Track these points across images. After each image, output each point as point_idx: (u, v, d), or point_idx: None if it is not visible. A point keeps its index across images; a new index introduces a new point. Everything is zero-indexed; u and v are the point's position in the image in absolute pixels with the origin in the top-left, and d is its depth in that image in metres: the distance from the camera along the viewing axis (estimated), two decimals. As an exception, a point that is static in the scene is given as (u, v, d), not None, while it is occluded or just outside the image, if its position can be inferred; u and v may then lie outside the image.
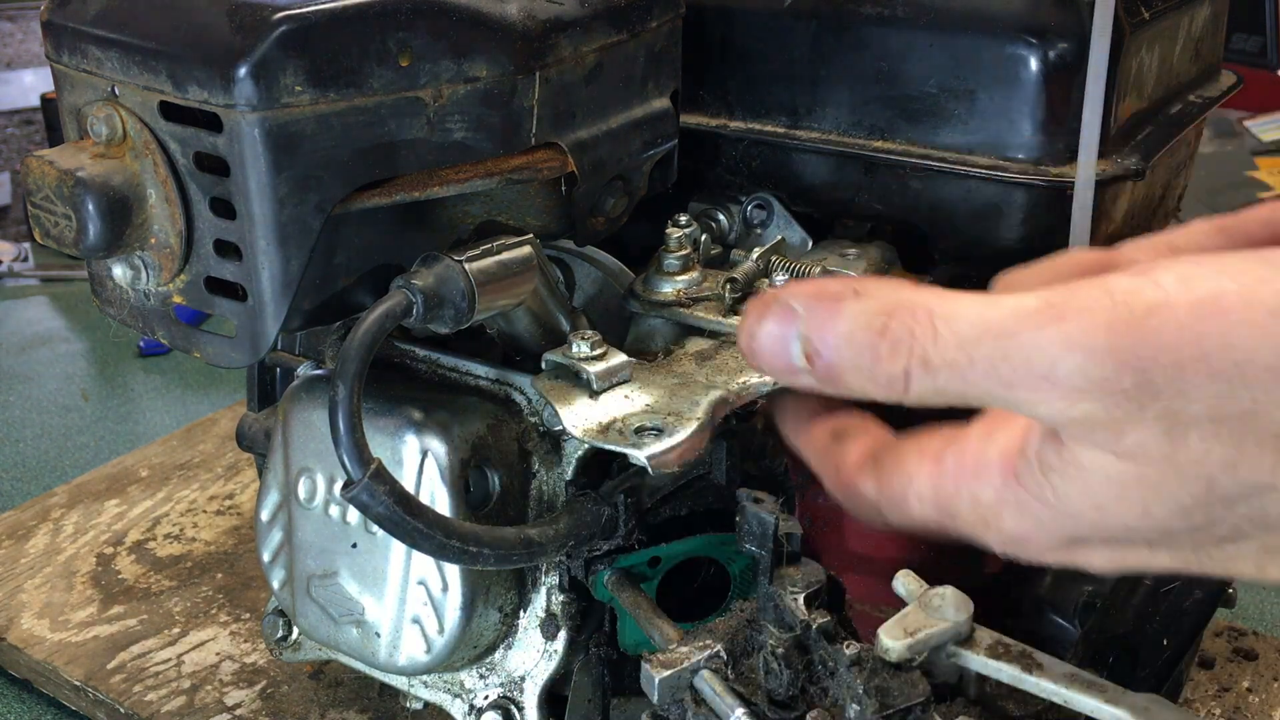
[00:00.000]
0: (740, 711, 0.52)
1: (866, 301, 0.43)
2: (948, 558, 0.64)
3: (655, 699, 0.54)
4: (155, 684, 0.95)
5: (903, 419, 0.49)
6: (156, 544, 1.14)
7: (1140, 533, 0.42)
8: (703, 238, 0.79)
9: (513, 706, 0.68)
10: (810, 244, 0.80)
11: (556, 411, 0.61)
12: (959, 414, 0.46)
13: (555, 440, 0.66)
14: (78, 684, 0.95)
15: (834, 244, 0.80)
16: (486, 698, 0.69)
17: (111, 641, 1.00)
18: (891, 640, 0.50)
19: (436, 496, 0.63)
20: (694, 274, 0.72)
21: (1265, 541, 0.41)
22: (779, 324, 0.45)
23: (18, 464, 1.39)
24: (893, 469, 0.50)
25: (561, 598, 0.66)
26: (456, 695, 0.71)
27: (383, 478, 0.55)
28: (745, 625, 0.55)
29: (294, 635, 0.79)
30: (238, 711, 0.92)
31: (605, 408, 0.61)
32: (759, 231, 0.82)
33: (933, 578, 0.54)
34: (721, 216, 0.82)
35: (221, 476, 1.26)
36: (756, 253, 0.74)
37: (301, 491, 0.69)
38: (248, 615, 1.03)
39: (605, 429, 0.60)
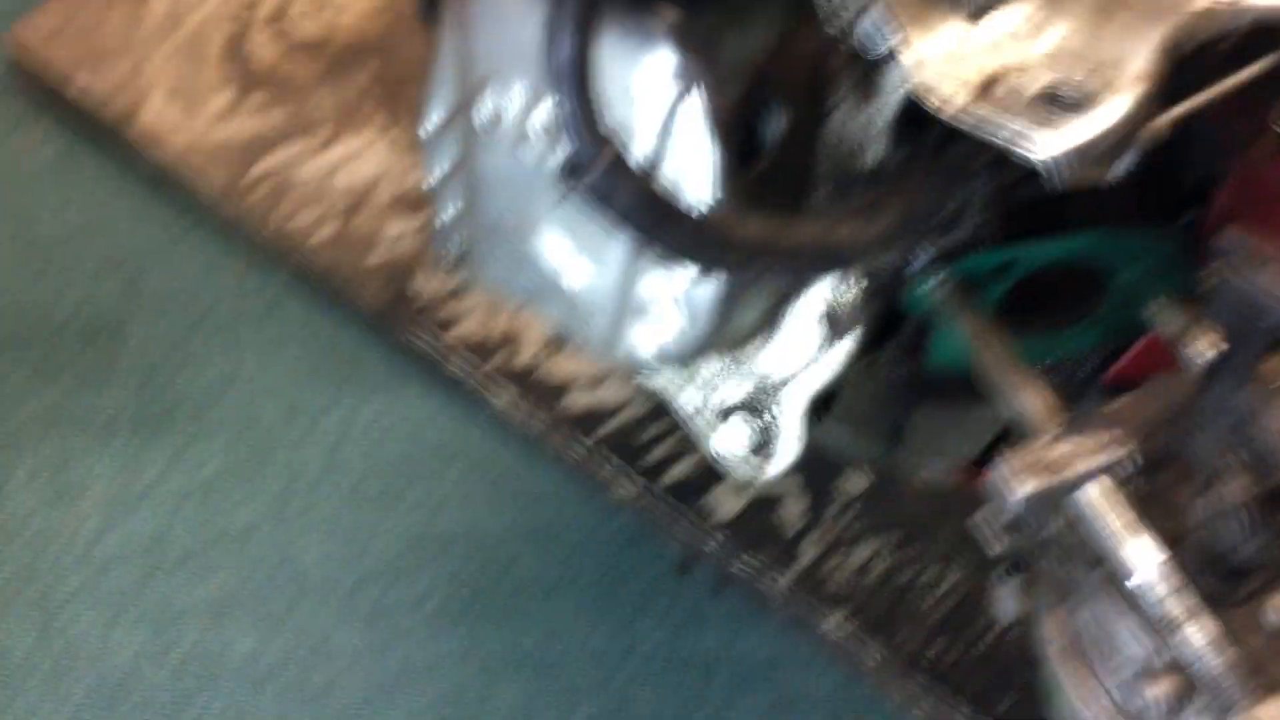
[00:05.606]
0: (1160, 561, 0.34)
1: None
2: None
3: (1007, 519, 0.36)
4: (303, 202, 0.81)
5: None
6: (291, 21, 0.93)
7: None
8: None
9: (767, 413, 0.50)
10: None
11: (903, 41, 0.37)
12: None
13: (869, 67, 0.42)
14: (215, 195, 0.82)
15: None
16: (734, 399, 0.51)
17: (254, 142, 0.84)
18: None
19: (696, 147, 0.41)
20: None
21: None
22: None
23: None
24: None
25: (850, 298, 0.46)
26: (695, 390, 0.53)
27: (622, 168, 0.33)
28: (1172, 419, 0.36)
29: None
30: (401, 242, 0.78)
31: (984, 44, 0.36)
32: None
33: None
34: None
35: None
36: None
37: (484, 113, 0.47)
38: (406, 118, 0.85)
39: (985, 88, 0.35)
